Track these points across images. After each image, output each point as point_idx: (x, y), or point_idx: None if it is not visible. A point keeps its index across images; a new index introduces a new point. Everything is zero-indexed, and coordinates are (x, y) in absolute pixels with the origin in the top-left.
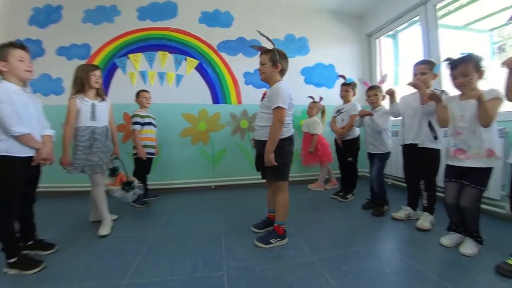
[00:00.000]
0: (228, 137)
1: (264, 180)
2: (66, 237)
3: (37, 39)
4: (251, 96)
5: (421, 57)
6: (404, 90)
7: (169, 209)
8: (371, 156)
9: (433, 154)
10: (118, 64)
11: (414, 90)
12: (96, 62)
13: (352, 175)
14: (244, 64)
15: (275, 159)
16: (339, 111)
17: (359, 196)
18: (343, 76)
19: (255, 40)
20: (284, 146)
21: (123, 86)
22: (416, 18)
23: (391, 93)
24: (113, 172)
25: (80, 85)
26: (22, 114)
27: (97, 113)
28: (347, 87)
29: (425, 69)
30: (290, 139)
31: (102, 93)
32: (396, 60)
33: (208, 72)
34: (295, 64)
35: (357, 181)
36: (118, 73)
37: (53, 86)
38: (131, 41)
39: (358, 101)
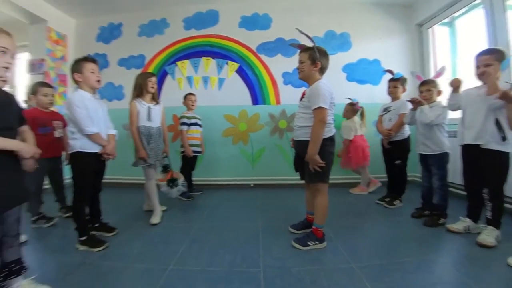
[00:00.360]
0: (267, 137)
1: (303, 181)
2: (124, 223)
3: (103, 53)
4: (290, 96)
5: (485, 46)
6: (464, 84)
7: (211, 204)
8: (424, 159)
9: (500, 158)
10: (168, 71)
11: (478, 83)
12: (150, 70)
13: (400, 180)
14: (283, 64)
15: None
16: (386, 110)
17: (408, 203)
18: (390, 71)
19: (294, 39)
20: (325, 146)
21: (172, 91)
22: (478, 1)
23: (457, 85)
24: (165, 169)
25: (140, 90)
26: (93, 117)
27: (152, 115)
28: (396, 82)
29: (490, 60)
30: (331, 139)
31: (156, 98)
32: (454, 51)
33: (248, 74)
34: (337, 61)
35: (406, 186)
36: (168, 79)
37: (116, 93)
38: (179, 49)
39: (409, 97)
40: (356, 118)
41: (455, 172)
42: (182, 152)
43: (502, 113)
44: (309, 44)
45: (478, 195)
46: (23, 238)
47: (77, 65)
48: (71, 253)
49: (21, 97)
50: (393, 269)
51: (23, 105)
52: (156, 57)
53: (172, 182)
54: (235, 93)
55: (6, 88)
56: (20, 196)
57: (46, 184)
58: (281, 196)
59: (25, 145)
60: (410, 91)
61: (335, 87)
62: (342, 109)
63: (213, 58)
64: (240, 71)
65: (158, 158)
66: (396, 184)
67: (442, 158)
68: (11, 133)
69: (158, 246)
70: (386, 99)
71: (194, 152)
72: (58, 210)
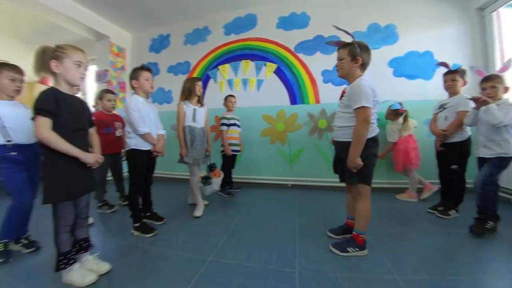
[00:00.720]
0: (306, 137)
1: (343, 184)
2: (171, 214)
3: (154, 62)
4: (330, 94)
5: None
6: None
7: (249, 201)
8: (483, 163)
9: None
10: (210, 75)
11: None
12: (195, 75)
13: (457, 187)
14: (322, 62)
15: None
16: (442, 107)
17: (465, 214)
18: (444, 64)
19: (333, 36)
20: (367, 147)
21: (215, 93)
22: None
23: None
24: (210, 167)
25: (188, 94)
26: (145, 118)
27: (197, 116)
28: (454, 75)
29: None
30: (374, 140)
31: (201, 100)
32: None
33: (286, 74)
34: (382, 55)
35: (464, 195)
36: (211, 83)
37: (165, 97)
38: (220, 54)
39: (469, 93)
40: (401, 120)
41: None
42: (222, 151)
43: None
44: (349, 40)
45: None
46: (90, 220)
47: (135, 73)
48: (126, 237)
49: (90, 102)
50: (446, 287)
51: (92, 109)
52: (200, 62)
53: (205, 180)
54: (273, 93)
55: (80, 95)
56: (89, 186)
57: (109, 176)
58: (320, 198)
59: (86, 155)
60: (470, 87)
61: (380, 83)
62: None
63: (252, 60)
64: (278, 72)
65: (201, 156)
66: (451, 192)
67: (503, 161)
68: (84, 133)
69: (200, 238)
70: (440, 95)
71: (233, 151)
72: (118, 198)
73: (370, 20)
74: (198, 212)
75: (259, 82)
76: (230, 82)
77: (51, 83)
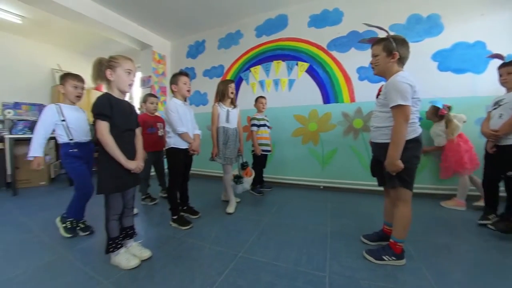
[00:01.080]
0: (340, 138)
1: (381, 188)
2: (205, 209)
3: (191, 67)
4: (366, 92)
5: None
6: None
7: (280, 201)
8: None
9: None
10: (243, 77)
11: None
12: (228, 77)
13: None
14: (357, 59)
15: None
16: (497, 104)
17: None
18: (498, 56)
19: (368, 32)
20: (408, 149)
21: (247, 95)
22: None
23: None
24: (243, 166)
25: (221, 96)
26: (183, 119)
27: (230, 117)
28: (510, 67)
29: None
30: (416, 141)
31: (234, 102)
32: None
33: (318, 73)
34: (424, 48)
35: None
36: (243, 84)
37: (201, 99)
38: (252, 56)
39: None
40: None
41: None
42: (253, 151)
43: None
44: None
45: None
46: (135, 211)
47: (174, 78)
48: (165, 228)
49: (136, 105)
50: None
51: (138, 111)
52: (233, 65)
53: (237, 179)
54: (305, 93)
55: (127, 99)
56: (135, 180)
57: (152, 172)
58: (354, 202)
59: (130, 163)
60: None
61: (423, 79)
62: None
63: (283, 60)
64: (310, 71)
65: (234, 155)
66: (507, 201)
67: None
68: (132, 133)
69: (231, 233)
70: (495, 90)
71: (264, 151)
72: (160, 191)
73: (410, 11)
74: (231, 208)
75: (291, 82)
76: (261, 83)
77: (104, 89)
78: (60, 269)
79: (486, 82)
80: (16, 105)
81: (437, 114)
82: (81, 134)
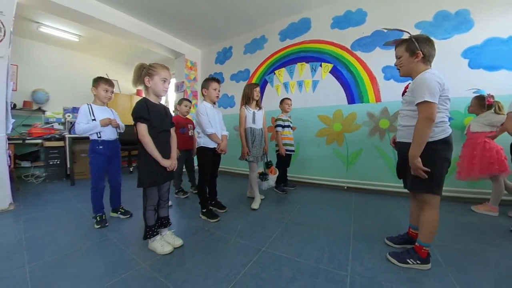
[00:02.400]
0: (365, 138)
1: (407, 190)
2: (232, 204)
3: (220, 72)
4: (393, 92)
5: None
6: None
7: (303, 200)
8: None
9: None
10: (267, 80)
11: None
12: (254, 81)
13: None
14: (382, 58)
15: (425, 167)
16: None
17: None
18: None
19: (393, 32)
20: (437, 151)
21: (272, 97)
22: None
23: None
24: (267, 164)
25: (247, 98)
26: (212, 121)
27: (256, 118)
28: None
29: None
30: (445, 142)
31: (259, 104)
32: None
33: (342, 73)
34: (453, 45)
35: None
36: (268, 87)
37: (229, 102)
38: (276, 59)
39: None
40: (489, 113)
41: None
42: (277, 150)
43: None
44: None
45: None
46: (170, 203)
47: (206, 83)
48: (195, 220)
49: (171, 108)
50: None
51: (172, 114)
52: (258, 69)
53: (262, 176)
54: (329, 93)
55: (163, 102)
56: (169, 175)
57: (183, 168)
58: (379, 204)
59: (165, 161)
60: None
61: (453, 77)
62: (465, 105)
63: (307, 62)
64: (334, 71)
65: (259, 154)
66: None
67: None
68: (167, 133)
69: (255, 228)
70: None
71: (288, 151)
72: (190, 187)
73: (437, 7)
74: (255, 205)
75: (315, 83)
76: (285, 85)
77: (143, 94)
78: (107, 249)
79: None
80: (74, 110)
81: (483, 104)
82: (108, 133)
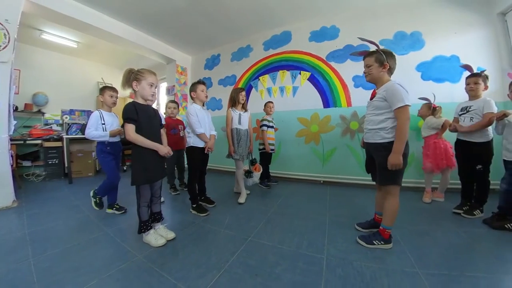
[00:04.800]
0: (338, 138)
1: (374, 182)
2: (220, 199)
3: (208, 77)
4: (361, 98)
5: None
6: None
7: (285, 193)
8: (508, 164)
9: None
10: (252, 85)
11: None
12: (240, 85)
13: (481, 187)
14: (352, 69)
15: (387, 163)
16: (465, 109)
17: (490, 214)
18: (468, 66)
19: (362, 45)
20: None
21: (256, 100)
22: None
23: None
24: (252, 162)
25: (233, 101)
26: (201, 122)
27: (242, 120)
28: (477, 78)
29: None
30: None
31: (245, 107)
32: None
33: (319, 81)
34: (409, 60)
35: (488, 195)
36: (253, 91)
37: (217, 104)
38: (260, 67)
39: (491, 97)
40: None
41: None
42: (261, 149)
43: None
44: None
45: None
46: (162, 199)
47: (193, 86)
48: (186, 214)
49: (162, 111)
50: (462, 282)
51: (163, 115)
52: (244, 75)
53: (247, 173)
54: (308, 98)
55: (154, 105)
56: (162, 173)
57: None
58: (350, 195)
59: (161, 147)
60: (492, 89)
61: (409, 87)
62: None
63: (288, 70)
64: (311, 79)
65: (245, 153)
66: (476, 192)
67: None
68: (157, 133)
69: (242, 221)
70: (465, 97)
71: (271, 150)
72: (179, 185)
73: (396, 28)
74: (242, 199)
75: (295, 89)
76: (269, 90)
77: (135, 98)
78: (104, 243)
79: (461, 90)
80: (71, 112)
81: (429, 106)
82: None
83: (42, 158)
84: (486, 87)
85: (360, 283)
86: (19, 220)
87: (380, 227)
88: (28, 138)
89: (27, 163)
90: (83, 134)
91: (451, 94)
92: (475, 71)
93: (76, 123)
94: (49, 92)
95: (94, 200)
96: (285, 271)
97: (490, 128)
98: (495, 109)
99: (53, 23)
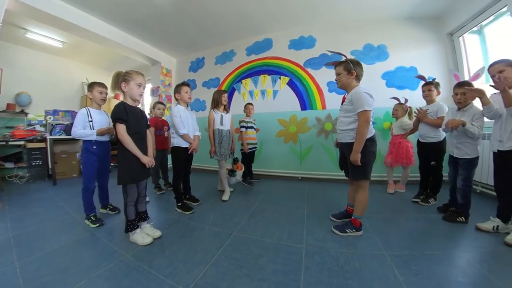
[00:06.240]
0: (314, 138)
1: (346, 177)
2: (204, 197)
3: (193, 79)
4: (334, 101)
5: None
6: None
7: (266, 190)
8: (454, 160)
9: None
10: (235, 88)
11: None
12: (223, 88)
13: (435, 180)
14: (327, 75)
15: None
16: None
17: (442, 201)
18: (422, 77)
19: (335, 55)
20: (366, 146)
21: (239, 102)
22: (504, 9)
23: (481, 95)
24: (234, 161)
25: (216, 103)
26: (185, 123)
27: (224, 121)
28: (430, 86)
29: (501, 67)
30: (371, 140)
31: (227, 108)
32: (485, 57)
33: (297, 85)
34: (376, 69)
35: (441, 185)
36: (236, 94)
37: (201, 105)
38: (243, 71)
39: (443, 102)
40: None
41: (489, 174)
42: (242, 149)
43: None
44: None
45: (508, 197)
46: (147, 198)
47: (177, 88)
48: (172, 213)
49: (147, 111)
50: (421, 259)
51: (148, 116)
52: (227, 78)
53: (231, 172)
54: (287, 101)
55: (140, 106)
56: (147, 173)
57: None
58: (325, 189)
59: (144, 158)
60: (445, 95)
61: (375, 92)
62: (384, 113)
63: (269, 74)
64: (290, 83)
65: (227, 153)
66: (430, 183)
67: (472, 163)
68: (143, 134)
69: (226, 217)
70: (423, 102)
71: (251, 148)
72: (163, 184)
73: (365, 41)
74: (225, 196)
75: (275, 92)
76: (251, 93)
77: (121, 98)
78: (91, 243)
79: (419, 96)
80: (55, 112)
81: (404, 108)
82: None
83: (25, 160)
84: (438, 92)
85: (335, 267)
86: (3, 223)
87: (352, 217)
88: (11, 139)
89: (9, 165)
90: (67, 134)
91: (410, 100)
92: (427, 80)
93: (60, 124)
94: (33, 92)
95: (89, 220)
96: (268, 262)
97: (441, 130)
98: (446, 111)
99: (39, 23)
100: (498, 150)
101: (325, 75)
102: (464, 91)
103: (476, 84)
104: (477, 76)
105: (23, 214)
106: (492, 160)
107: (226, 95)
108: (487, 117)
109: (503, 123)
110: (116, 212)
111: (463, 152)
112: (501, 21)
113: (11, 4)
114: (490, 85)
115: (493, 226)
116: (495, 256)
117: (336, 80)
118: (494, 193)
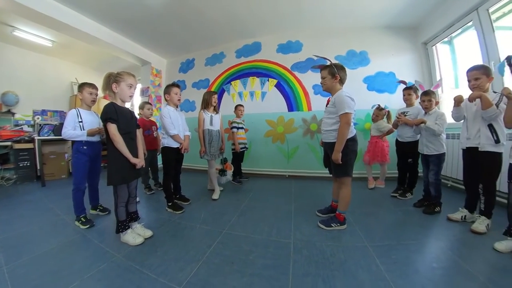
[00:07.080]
0: (300, 138)
1: (331, 175)
2: (194, 197)
3: (183, 80)
4: (319, 103)
5: (480, 61)
6: (465, 93)
7: (255, 188)
8: (426, 158)
9: (494, 158)
10: (225, 89)
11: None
12: (213, 89)
13: (412, 176)
14: (312, 79)
15: (341, 158)
16: (403, 114)
17: (418, 196)
18: (403, 82)
19: (320, 60)
20: (348, 146)
21: (228, 103)
22: (470, 23)
23: (459, 101)
24: (223, 162)
25: (205, 104)
26: (175, 123)
27: (213, 121)
28: (409, 90)
29: (478, 74)
30: (353, 139)
31: (217, 109)
32: (455, 65)
33: (284, 88)
34: (358, 74)
35: (417, 181)
36: (225, 95)
37: (190, 106)
38: (232, 72)
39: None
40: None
41: (458, 170)
42: (233, 149)
43: (495, 120)
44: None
45: (474, 190)
46: (137, 199)
47: (167, 89)
48: (162, 212)
49: (136, 111)
50: (399, 249)
51: (137, 116)
52: (217, 79)
53: (222, 172)
54: (275, 103)
55: (128, 106)
56: (137, 173)
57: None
58: (311, 186)
59: (134, 159)
60: None
61: (357, 95)
62: (365, 114)
63: (257, 77)
64: (278, 86)
65: (217, 152)
66: (407, 179)
67: (440, 158)
68: (132, 135)
69: (217, 215)
70: (401, 104)
71: (242, 148)
72: (153, 184)
73: (348, 47)
74: (216, 195)
75: (263, 94)
76: (240, 94)
77: (110, 98)
78: (82, 245)
79: (397, 99)
80: (43, 112)
81: (381, 114)
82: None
83: (12, 161)
84: (417, 96)
85: (322, 260)
86: None
87: (337, 212)
88: None
89: None
90: (56, 135)
91: (389, 103)
92: (408, 85)
93: (48, 124)
94: (20, 91)
95: (79, 222)
96: (258, 257)
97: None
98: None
99: (28, 21)
100: (467, 147)
101: (311, 78)
102: (430, 98)
103: (447, 90)
104: (437, 85)
105: (11, 217)
106: (461, 157)
107: (216, 96)
108: (455, 118)
109: (470, 123)
110: (107, 213)
111: (432, 149)
112: (467, 33)
113: None
114: (469, 98)
115: (462, 216)
116: (463, 242)
117: (321, 83)
118: (463, 187)
